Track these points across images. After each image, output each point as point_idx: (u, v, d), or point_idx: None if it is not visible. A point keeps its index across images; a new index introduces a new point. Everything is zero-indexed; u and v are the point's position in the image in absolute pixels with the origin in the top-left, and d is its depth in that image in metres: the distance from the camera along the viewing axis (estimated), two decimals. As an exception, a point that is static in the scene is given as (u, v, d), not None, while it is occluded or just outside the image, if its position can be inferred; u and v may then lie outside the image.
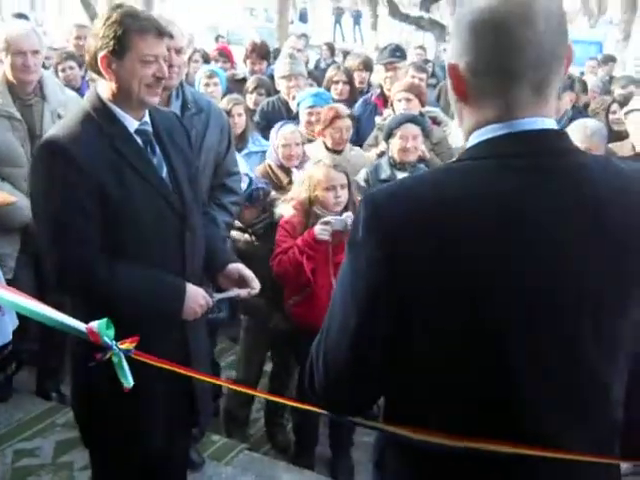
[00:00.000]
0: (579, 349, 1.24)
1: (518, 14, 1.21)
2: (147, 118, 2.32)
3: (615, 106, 5.46)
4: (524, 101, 1.25)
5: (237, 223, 3.79)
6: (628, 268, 1.26)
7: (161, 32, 2.21)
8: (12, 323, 3.37)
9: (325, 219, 3.35)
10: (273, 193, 3.83)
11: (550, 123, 1.28)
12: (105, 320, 1.87)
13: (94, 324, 1.88)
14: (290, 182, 4.03)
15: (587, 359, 1.25)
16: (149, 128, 2.32)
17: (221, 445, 3.85)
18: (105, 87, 2.24)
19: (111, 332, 1.88)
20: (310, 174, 3.53)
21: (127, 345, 1.90)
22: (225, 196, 3.45)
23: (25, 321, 3.45)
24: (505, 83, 1.25)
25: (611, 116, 5.43)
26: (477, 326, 1.22)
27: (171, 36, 2.35)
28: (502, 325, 1.21)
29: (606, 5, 30.97)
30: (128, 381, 1.92)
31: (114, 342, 1.89)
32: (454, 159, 1.37)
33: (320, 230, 3.33)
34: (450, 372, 1.26)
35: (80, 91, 5.18)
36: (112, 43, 2.15)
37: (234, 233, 3.81)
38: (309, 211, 3.50)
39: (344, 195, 3.47)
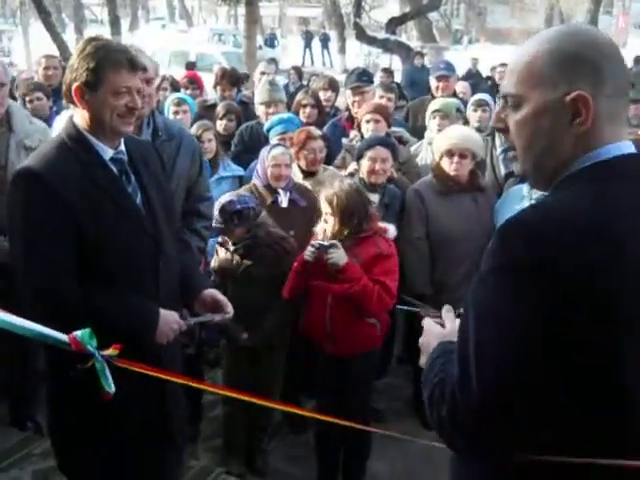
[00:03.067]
0: None
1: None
2: (122, 147, 2.37)
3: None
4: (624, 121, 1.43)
5: (220, 239, 3.87)
6: None
7: (134, 66, 2.27)
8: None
9: (313, 242, 3.49)
10: (263, 214, 3.89)
11: None
12: (88, 330, 1.90)
13: (77, 333, 1.91)
14: (274, 203, 4.10)
15: None
16: (124, 157, 2.37)
17: (198, 470, 3.86)
18: (80, 116, 2.29)
19: (94, 341, 1.90)
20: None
21: (110, 351, 1.93)
22: (198, 221, 3.52)
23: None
24: (626, 105, 1.42)
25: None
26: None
27: (144, 69, 2.40)
28: None
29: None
30: (110, 387, 1.95)
31: (97, 350, 1.92)
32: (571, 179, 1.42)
33: (307, 252, 3.48)
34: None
35: (49, 121, 5.18)
36: (85, 75, 2.20)
37: (217, 247, 3.89)
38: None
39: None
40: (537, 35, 1.46)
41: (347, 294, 3.49)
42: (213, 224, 3.74)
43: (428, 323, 1.73)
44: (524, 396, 1.30)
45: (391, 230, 3.75)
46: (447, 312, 1.74)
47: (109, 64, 2.21)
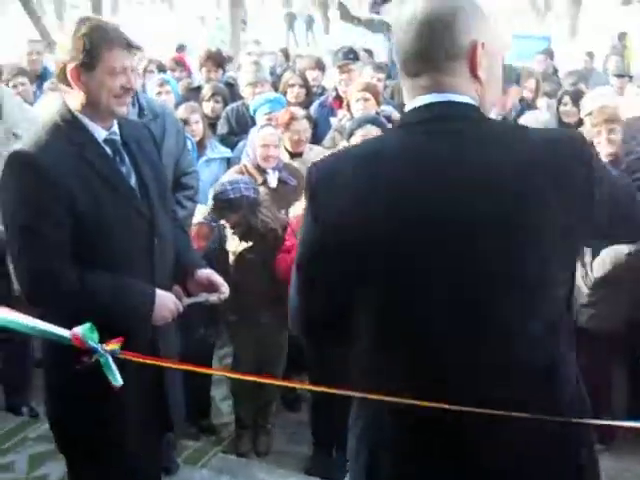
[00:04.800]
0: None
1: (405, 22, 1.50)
2: (115, 128, 2.35)
3: (567, 98, 5.55)
4: (418, 85, 1.52)
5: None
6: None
7: (129, 45, 2.26)
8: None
9: None
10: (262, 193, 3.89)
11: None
12: (89, 325, 1.89)
13: (78, 329, 1.90)
14: (264, 183, 4.09)
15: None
16: (117, 138, 2.35)
17: (195, 449, 3.88)
18: (74, 98, 2.27)
19: (95, 336, 1.90)
20: None
21: (113, 345, 1.92)
22: (179, 191, 3.55)
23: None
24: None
25: (562, 107, 5.53)
26: (391, 267, 1.43)
27: (139, 48, 2.39)
28: (414, 263, 1.43)
29: (552, 0, 31.56)
30: (117, 380, 1.95)
31: (99, 345, 1.92)
32: None
33: None
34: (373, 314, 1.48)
35: (31, 106, 5.13)
36: (81, 56, 2.18)
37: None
38: None
39: None
40: None
41: None
42: (208, 209, 3.73)
43: None
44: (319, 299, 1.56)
45: None
46: None
47: (105, 44, 2.20)
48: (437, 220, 1.41)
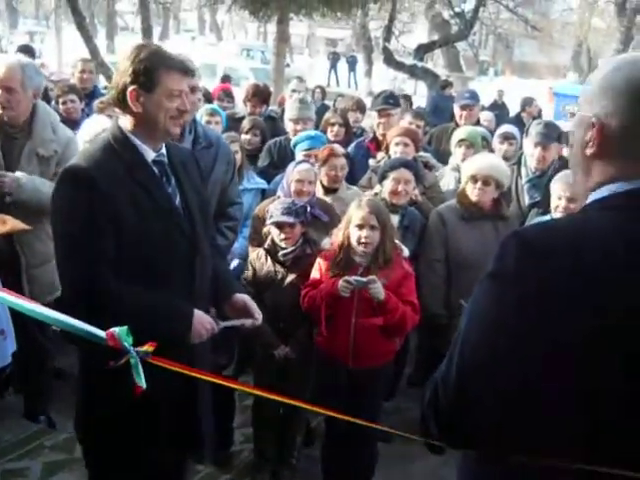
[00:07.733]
0: None
1: None
2: (164, 150, 2.47)
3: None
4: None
5: (266, 246, 3.83)
6: None
7: (185, 70, 2.40)
8: (12, 347, 3.44)
9: (348, 278, 3.45)
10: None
11: None
12: (125, 327, 1.95)
13: (115, 330, 1.96)
14: None
15: None
16: (165, 159, 2.47)
17: (205, 475, 3.90)
18: (127, 120, 2.39)
19: (130, 339, 1.96)
20: (349, 211, 3.66)
21: (146, 348, 1.97)
22: (222, 221, 3.61)
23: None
24: None
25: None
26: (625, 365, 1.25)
27: (194, 74, 2.50)
28: None
29: (596, 62, 31.71)
30: (142, 382, 1.99)
31: (132, 347, 1.97)
32: (586, 206, 1.44)
33: (342, 287, 3.44)
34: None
35: (79, 123, 5.26)
36: (141, 78, 2.30)
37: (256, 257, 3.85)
38: (344, 247, 3.60)
39: (372, 237, 3.52)
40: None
41: (388, 325, 3.54)
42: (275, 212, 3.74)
43: None
44: (496, 398, 1.33)
45: (405, 250, 3.79)
46: None
47: (164, 68, 2.33)
48: None
